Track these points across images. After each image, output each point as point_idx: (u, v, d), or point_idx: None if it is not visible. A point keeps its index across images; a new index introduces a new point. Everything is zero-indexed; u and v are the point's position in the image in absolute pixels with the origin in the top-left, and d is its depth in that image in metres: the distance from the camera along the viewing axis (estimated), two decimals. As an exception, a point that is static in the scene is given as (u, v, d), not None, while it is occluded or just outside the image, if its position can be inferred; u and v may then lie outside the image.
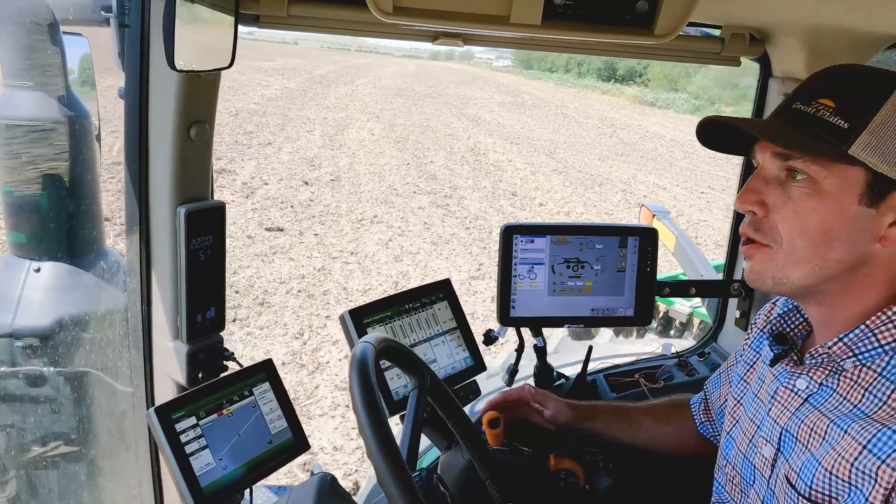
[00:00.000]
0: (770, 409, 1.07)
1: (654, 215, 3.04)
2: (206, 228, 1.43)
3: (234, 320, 5.60)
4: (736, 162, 2.01)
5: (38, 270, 1.64)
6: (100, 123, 1.69)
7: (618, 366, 2.06)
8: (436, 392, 1.13)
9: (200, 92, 1.34)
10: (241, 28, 1.29)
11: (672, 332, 5.29)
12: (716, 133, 1.04)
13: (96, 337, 1.64)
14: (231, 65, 1.27)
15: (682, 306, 5.24)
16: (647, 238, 1.76)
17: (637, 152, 18.12)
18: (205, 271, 1.45)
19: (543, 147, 17.24)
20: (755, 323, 1.28)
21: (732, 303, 2.10)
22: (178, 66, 1.13)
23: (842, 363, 0.97)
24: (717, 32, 1.70)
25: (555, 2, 1.10)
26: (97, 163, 1.68)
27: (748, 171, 1.97)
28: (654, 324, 5.29)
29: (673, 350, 2.17)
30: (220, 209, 1.47)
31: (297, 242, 8.03)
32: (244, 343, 5.27)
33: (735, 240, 2.05)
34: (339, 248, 7.97)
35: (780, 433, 1.03)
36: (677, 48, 1.70)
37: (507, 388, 1.62)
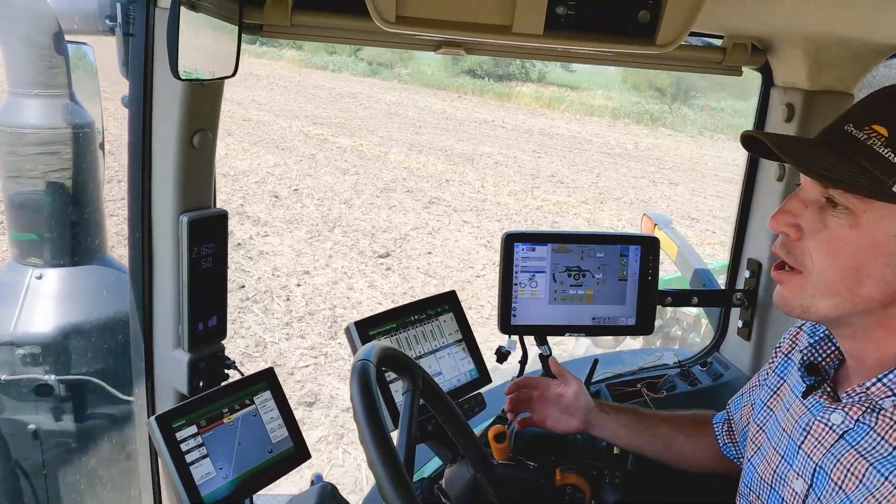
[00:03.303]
0: (803, 443, 1.03)
1: (655, 224, 3.04)
2: (208, 237, 1.44)
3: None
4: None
5: (40, 277, 1.64)
6: (104, 131, 1.69)
7: (620, 375, 2.06)
8: (429, 392, 1.12)
9: (204, 101, 1.35)
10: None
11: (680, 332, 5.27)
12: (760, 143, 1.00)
13: (97, 344, 1.64)
14: (234, 73, 1.28)
15: (688, 309, 5.21)
16: (648, 247, 1.76)
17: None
18: (206, 279, 1.45)
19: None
20: (780, 347, 1.24)
21: (734, 312, 2.09)
22: (182, 74, 1.14)
23: (880, 402, 0.93)
24: (718, 42, 1.70)
25: (557, 11, 1.10)
26: (100, 171, 1.69)
27: (752, 171, 1.95)
28: (673, 327, 5.28)
29: (675, 360, 2.16)
30: (222, 217, 1.47)
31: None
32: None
33: (738, 249, 2.05)
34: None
35: (814, 470, 0.99)
36: (679, 58, 1.70)
37: (525, 377, 1.60)
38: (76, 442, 1.66)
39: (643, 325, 1.79)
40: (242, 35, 1.28)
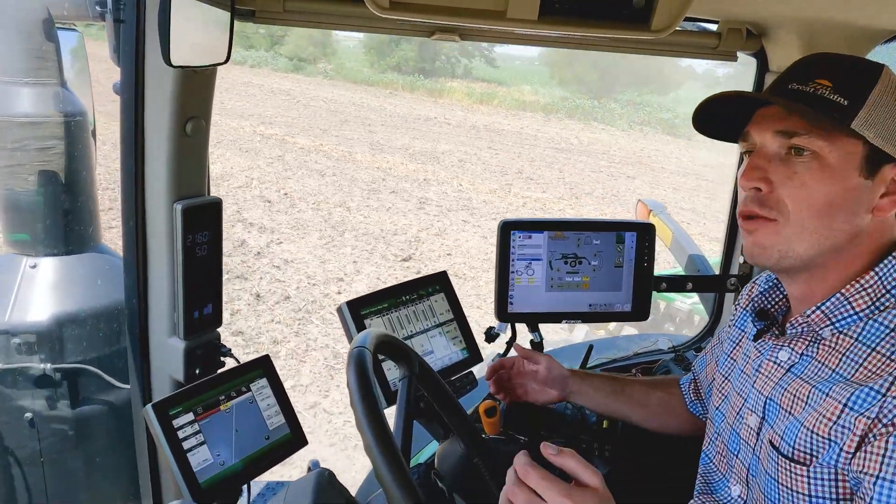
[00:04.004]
0: (755, 382, 1.11)
1: (650, 211, 3.04)
2: (202, 224, 1.43)
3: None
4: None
5: (34, 267, 1.64)
6: (94, 119, 1.68)
7: (615, 360, 2.07)
8: (425, 378, 1.13)
9: (196, 87, 1.34)
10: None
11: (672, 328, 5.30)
12: (711, 117, 1.08)
13: (93, 333, 1.64)
14: (227, 60, 1.27)
15: (682, 303, 5.24)
16: (644, 233, 1.77)
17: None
18: (201, 267, 1.45)
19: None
20: (738, 303, 1.32)
21: (728, 298, 2.10)
22: (174, 61, 1.13)
23: (820, 332, 1.01)
24: (713, 27, 1.70)
25: (551, -4, 1.10)
26: (93, 159, 1.68)
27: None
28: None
29: (669, 345, 2.17)
30: (216, 205, 1.47)
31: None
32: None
33: (731, 235, 2.05)
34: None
35: (765, 403, 1.07)
36: (674, 43, 1.70)
37: (501, 358, 1.64)
38: (73, 430, 1.66)
39: (639, 312, 1.80)
40: (235, 21, 1.26)
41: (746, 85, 1.90)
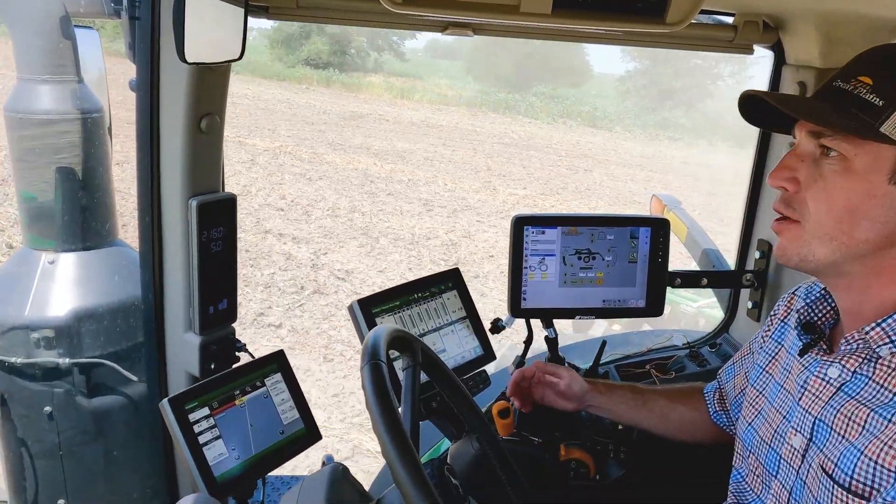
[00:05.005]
0: (800, 399, 1.05)
1: (665, 206, 3.01)
2: (217, 220, 1.44)
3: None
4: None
5: (52, 262, 1.66)
6: (110, 116, 1.69)
7: (629, 356, 2.06)
8: (428, 363, 1.12)
9: (211, 84, 1.34)
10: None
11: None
12: (758, 110, 1.04)
13: (110, 328, 1.66)
14: (241, 56, 1.27)
15: (687, 307, 5.18)
16: (658, 229, 1.75)
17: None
18: (217, 263, 1.46)
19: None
20: (775, 313, 1.27)
21: (744, 293, 2.08)
22: (189, 58, 1.14)
23: (877, 350, 0.95)
24: (729, 20, 1.68)
25: (565, -10, 1.09)
26: (109, 155, 1.70)
27: (763, 152, 1.94)
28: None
29: (684, 341, 2.16)
30: (231, 201, 1.48)
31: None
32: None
33: (747, 231, 2.03)
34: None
35: (813, 423, 1.01)
36: (689, 36, 1.68)
37: (521, 369, 1.61)
38: (90, 424, 1.68)
39: (653, 307, 1.78)
40: (248, 17, 1.27)
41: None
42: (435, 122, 19.32)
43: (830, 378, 1.01)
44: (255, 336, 5.99)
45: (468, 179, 12.90)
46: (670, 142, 20.98)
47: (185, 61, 1.14)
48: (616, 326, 5.08)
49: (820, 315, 1.11)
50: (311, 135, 15.55)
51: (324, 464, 1.39)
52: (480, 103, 23.44)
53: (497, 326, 1.74)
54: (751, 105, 1.04)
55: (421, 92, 24.50)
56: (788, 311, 1.19)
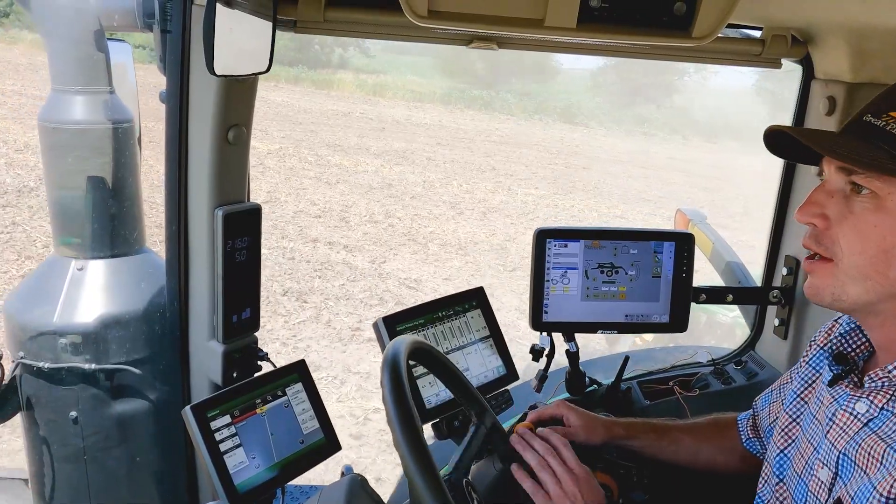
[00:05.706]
0: (828, 432, 1.03)
1: (689, 220, 2.98)
2: (242, 230, 1.46)
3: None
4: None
5: (81, 269, 1.69)
6: (140, 127, 1.73)
7: (652, 373, 2.03)
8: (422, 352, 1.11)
9: (239, 96, 1.37)
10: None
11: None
12: (784, 142, 1.03)
13: (136, 335, 1.68)
14: (269, 69, 1.29)
15: (724, 316, 5.11)
16: (682, 243, 1.73)
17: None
18: (241, 272, 1.47)
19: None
20: (815, 340, 1.24)
21: (771, 310, 2.05)
22: (218, 70, 1.16)
23: None
24: (757, 34, 1.66)
25: (590, 4, 1.09)
26: (139, 165, 1.73)
27: (790, 167, 1.91)
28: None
29: (709, 357, 2.13)
30: (256, 211, 1.49)
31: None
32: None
33: (775, 246, 2.00)
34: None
35: (838, 457, 0.99)
36: (716, 51, 1.66)
37: (543, 405, 1.57)
38: (114, 429, 1.70)
39: (677, 323, 1.76)
40: (276, 31, 1.29)
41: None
42: (418, 121, 19.07)
43: (858, 413, 0.98)
44: (357, 351, 5.75)
45: (480, 180, 12.83)
46: (646, 137, 20.64)
47: (213, 73, 1.16)
48: (646, 339, 5.02)
49: (854, 346, 1.09)
50: (304, 136, 15.25)
51: (343, 474, 1.39)
52: (455, 100, 23.14)
53: (536, 352, 1.73)
54: (776, 136, 1.03)
55: (393, 89, 24.08)
56: (828, 338, 1.15)
